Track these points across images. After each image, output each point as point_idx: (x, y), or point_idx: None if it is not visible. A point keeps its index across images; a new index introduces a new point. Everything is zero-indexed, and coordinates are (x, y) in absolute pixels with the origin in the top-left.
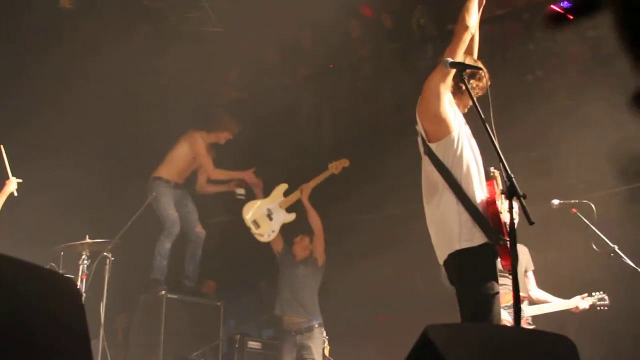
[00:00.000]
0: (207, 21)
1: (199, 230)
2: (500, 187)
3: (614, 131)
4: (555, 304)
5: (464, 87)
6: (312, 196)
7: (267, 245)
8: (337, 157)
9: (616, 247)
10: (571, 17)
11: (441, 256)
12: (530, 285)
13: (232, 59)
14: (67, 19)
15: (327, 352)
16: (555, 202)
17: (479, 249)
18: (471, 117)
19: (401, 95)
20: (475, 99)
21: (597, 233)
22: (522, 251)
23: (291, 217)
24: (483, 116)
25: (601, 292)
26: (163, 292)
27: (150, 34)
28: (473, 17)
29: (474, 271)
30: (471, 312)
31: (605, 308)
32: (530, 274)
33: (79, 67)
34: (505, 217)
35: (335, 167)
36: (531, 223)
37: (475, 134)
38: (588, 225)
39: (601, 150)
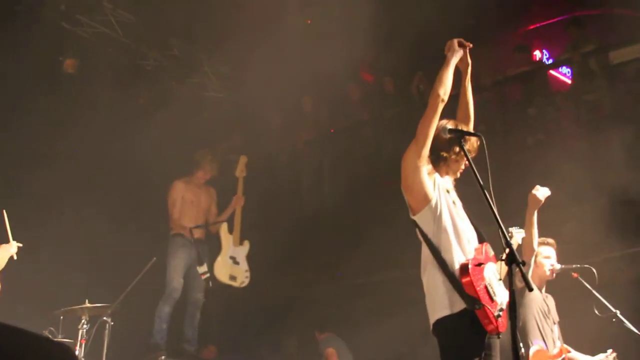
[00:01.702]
0: (209, 86)
1: (199, 296)
2: (490, 252)
3: (614, 194)
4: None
5: (452, 155)
6: (315, 255)
7: (269, 310)
8: (335, 219)
9: (618, 312)
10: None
11: (431, 326)
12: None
13: (232, 123)
14: (69, 83)
15: None
16: (557, 266)
17: (458, 315)
18: (470, 181)
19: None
20: (473, 165)
21: (598, 298)
22: (552, 301)
23: (247, 247)
24: (482, 183)
25: (611, 351)
26: (163, 357)
27: (151, 97)
28: (445, 87)
29: (452, 338)
30: None
31: None
32: (555, 327)
33: (76, 123)
34: (492, 282)
35: (240, 170)
36: (531, 290)
37: (474, 198)
38: (590, 290)
39: (602, 213)
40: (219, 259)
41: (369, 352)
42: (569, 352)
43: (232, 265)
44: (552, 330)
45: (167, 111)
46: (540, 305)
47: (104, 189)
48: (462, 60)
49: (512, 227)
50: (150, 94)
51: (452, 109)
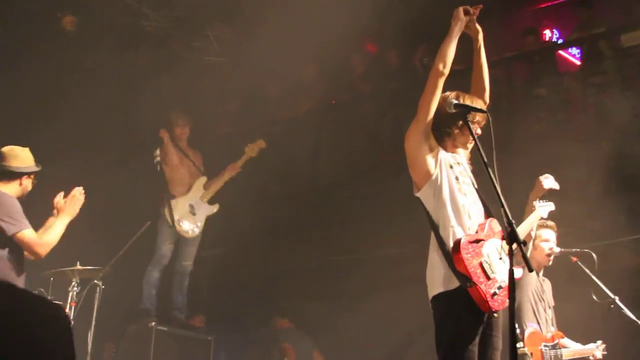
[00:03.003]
0: (210, 50)
1: (186, 263)
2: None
3: (619, 179)
4: (578, 349)
5: (455, 130)
6: (309, 229)
7: (260, 278)
8: (333, 194)
9: (616, 299)
10: None
11: (430, 302)
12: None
13: (233, 89)
14: (68, 39)
15: None
16: (556, 249)
17: (454, 292)
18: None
19: (402, 134)
20: (478, 142)
21: (597, 283)
22: (549, 285)
23: (214, 208)
24: (485, 160)
25: (601, 342)
26: (153, 323)
27: (151, 58)
28: (446, 60)
29: (447, 315)
30: (442, 356)
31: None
32: (550, 311)
33: (73, 83)
34: (492, 258)
35: (252, 149)
36: (530, 270)
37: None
38: (589, 274)
39: (606, 198)
40: (180, 199)
41: (359, 329)
42: (563, 337)
43: (187, 211)
44: (546, 314)
45: (167, 74)
46: (536, 288)
47: (100, 150)
48: (471, 28)
49: (537, 201)
50: (149, 55)
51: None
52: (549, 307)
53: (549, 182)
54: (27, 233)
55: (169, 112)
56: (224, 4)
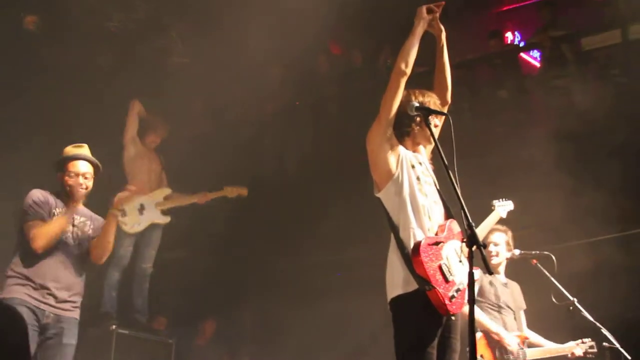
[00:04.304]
0: (174, 51)
1: (145, 266)
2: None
3: (580, 182)
4: (553, 347)
5: (415, 127)
6: (271, 233)
7: (223, 281)
8: (299, 194)
9: (575, 300)
10: None
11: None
12: (524, 327)
13: (197, 90)
14: (29, 42)
15: None
16: (516, 252)
17: (412, 295)
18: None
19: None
20: (437, 142)
21: (556, 285)
22: (515, 288)
23: (165, 219)
24: (446, 162)
25: (590, 340)
26: (113, 326)
27: (115, 59)
28: (407, 59)
29: (406, 318)
30: (402, 358)
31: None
32: (522, 314)
33: (34, 84)
34: (451, 261)
35: (231, 191)
36: (490, 273)
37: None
38: (548, 277)
39: (564, 202)
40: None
41: (323, 329)
42: (527, 339)
43: (134, 207)
44: (503, 316)
45: (130, 75)
46: (491, 292)
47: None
48: (434, 27)
49: (496, 200)
50: (113, 56)
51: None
52: (511, 310)
53: (504, 209)
54: (27, 225)
55: (151, 116)
56: (188, 6)
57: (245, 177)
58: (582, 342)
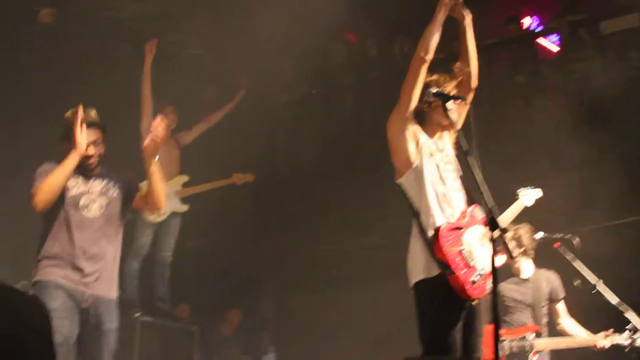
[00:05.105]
0: (186, 42)
1: (165, 254)
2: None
3: (600, 165)
4: (569, 339)
5: (435, 116)
6: (290, 222)
7: (245, 270)
8: (313, 183)
9: (599, 282)
10: None
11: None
12: (561, 319)
13: (211, 81)
14: (44, 36)
15: None
16: (539, 235)
17: (434, 280)
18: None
19: (383, 123)
20: (456, 129)
21: (579, 268)
22: (547, 279)
23: (184, 207)
24: (465, 148)
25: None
26: (137, 314)
27: (129, 51)
28: (428, 46)
29: (428, 302)
30: (424, 344)
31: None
32: (561, 305)
33: (50, 75)
34: (473, 246)
35: (239, 178)
36: (511, 257)
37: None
38: (570, 260)
39: (584, 185)
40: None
41: (344, 319)
42: (536, 331)
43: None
44: (510, 315)
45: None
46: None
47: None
48: (457, 12)
49: (521, 188)
50: (127, 48)
51: None
52: (527, 306)
53: (529, 197)
54: (32, 189)
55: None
56: None
57: (261, 165)
58: (609, 333)
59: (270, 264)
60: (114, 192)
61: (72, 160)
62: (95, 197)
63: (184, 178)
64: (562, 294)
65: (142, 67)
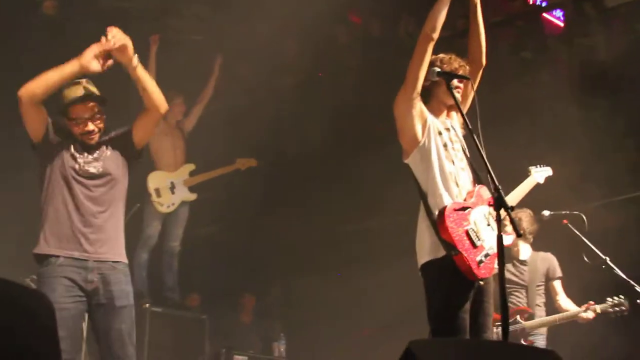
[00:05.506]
0: (187, 29)
1: (173, 244)
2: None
3: (605, 141)
4: (554, 317)
5: (441, 95)
6: (298, 206)
7: (254, 257)
8: (319, 166)
9: (607, 259)
10: None
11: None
12: (559, 296)
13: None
14: (45, 23)
15: None
16: (546, 213)
17: (441, 260)
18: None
19: (388, 104)
20: (460, 105)
21: (588, 245)
22: (543, 259)
23: (192, 196)
24: (471, 127)
25: (617, 298)
26: (147, 305)
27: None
28: (434, 24)
29: (436, 283)
30: (433, 325)
31: (625, 313)
32: (557, 283)
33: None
34: (479, 226)
35: (242, 163)
36: (519, 235)
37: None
38: (579, 236)
39: (592, 161)
40: (162, 173)
41: (352, 302)
42: (529, 311)
43: (166, 186)
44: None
45: (146, 53)
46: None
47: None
48: None
49: (532, 166)
50: (129, 35)
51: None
52: (520, 287)
53: (541, 175)
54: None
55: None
56: None
57: (267, 149)
58: (590, 305)
59: (279, 248)
60: (111, 151)
61: (71, 65)
62: (95, 163)
63: (191, 167)
64: (558, 273)
65: (147, 58)
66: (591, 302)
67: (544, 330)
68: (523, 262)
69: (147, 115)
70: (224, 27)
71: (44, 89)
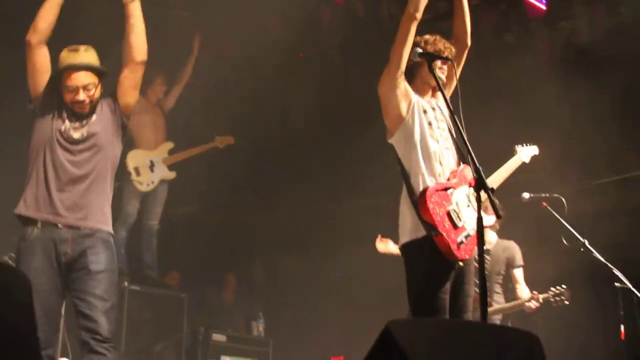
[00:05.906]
0: (174, 5)
1: (152, 223)
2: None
3: (587, 125)
4: (501, 306)
5: (425, 75)
6: (280, 185)
7: (235, 236)
8: (303, 146)
9: (586, 242)
10: None
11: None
12: (518, 285)
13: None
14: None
15: None
16: (526, 195)
17: (422, 241)
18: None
19: (372, 85)
20: (442, 88)
21: (567, 227)
22: (505, 247)
23: (172, 175)
24: (452, 108)
25: (559, 287)
26: (125, 283)
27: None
28: (417, 3)
29: (416, 264)
30: (412, 305)
31: (566, 303)
32: (518, 272)
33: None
34: (461, 206)
35: (220, 141)
36: (499, 217)
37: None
38: (558, 219)
39: (572, 145)
40: (141, 151)
41: (334, 282)
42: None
43: (145, 165)
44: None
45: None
46: None
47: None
48: None
49: (518, 144)
50: (113, 11)
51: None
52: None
53: (527, 154)
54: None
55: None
56: None
57: (251, 129)
58: (534, 295)
59: (260, 228)
60: (98, 117)
61: None
62: (81, 130)
63: (169, 145)
64: (519, 262)
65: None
66: (535, 292)
67: (497, 317)
68: (486, 251)
69: (128, 74)
70: (208, 5)
71: (44, 19)
